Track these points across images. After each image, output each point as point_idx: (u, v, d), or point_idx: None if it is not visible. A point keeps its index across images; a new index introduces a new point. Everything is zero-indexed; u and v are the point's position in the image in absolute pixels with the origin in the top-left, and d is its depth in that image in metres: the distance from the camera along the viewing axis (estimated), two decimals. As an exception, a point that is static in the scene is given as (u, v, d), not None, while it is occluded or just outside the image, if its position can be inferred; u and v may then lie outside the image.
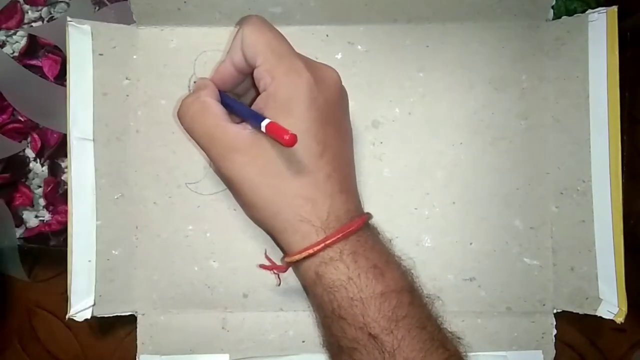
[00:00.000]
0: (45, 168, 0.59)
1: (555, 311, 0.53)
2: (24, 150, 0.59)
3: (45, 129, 0.58)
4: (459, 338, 0.47)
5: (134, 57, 0.53)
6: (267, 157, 0.43)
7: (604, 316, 0.51)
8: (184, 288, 0.53)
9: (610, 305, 0.51)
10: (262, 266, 0.52)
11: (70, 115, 0.52)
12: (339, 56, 0.54)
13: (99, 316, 0.52)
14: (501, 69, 0.54)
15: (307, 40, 0.53)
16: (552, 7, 0.53)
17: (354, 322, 0.43)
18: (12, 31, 0.58)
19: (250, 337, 0.53)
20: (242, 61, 0.46)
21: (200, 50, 0.53)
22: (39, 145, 0.58)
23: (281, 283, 0.53)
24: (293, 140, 0.40)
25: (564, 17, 0.53)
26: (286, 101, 0.43)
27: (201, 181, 0.53)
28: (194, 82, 0.53)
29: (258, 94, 0.45)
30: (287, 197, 0.44)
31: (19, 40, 0.58)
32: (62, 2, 0.58)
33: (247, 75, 0.48)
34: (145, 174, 0.53)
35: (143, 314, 0.53)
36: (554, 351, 0.53)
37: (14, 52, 0.58)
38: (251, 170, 0.44)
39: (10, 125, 0.58)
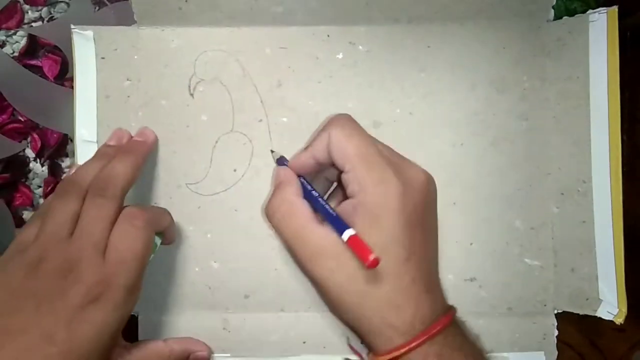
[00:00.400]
0: (45, 168, 0.58)
1: (556, 312, 0.53)
2: (24, 150, 0.58)
3: (45, 129, 0.58)
4: None
5: (135, 57, 0.53)
6: (354, 264, 0.43)
7: (603, 317, 0.51)
8: (184, 289, 0.53)
9: (610, 306, 0.51)
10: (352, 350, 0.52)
11: (77, 120, 0.53)
12: (340, 56, 0.53)
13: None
14: (502, 69, 0.53)
15: (309, 40, 0.53)
16: (553, 8, 0.53)
17: None
18: (12, 31, 0.57)
19: (251, 338, 0.53)
20: (327, 159, 0.46)
21: (201, 50, 0.53)
22: (39, 145, 0.58)
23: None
24: (375, 263, 0.39)
25: (565, 17, 0.53)
26: (374, 211, 0.43)
27: (202, 182, 0.53)
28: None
29: (337, 188, 0.46)
30: (373, 302, 0.43)
31: (19, 40, 0.58)
32: (62, 2, 0.57)
33: (328, 167, 0.47)
34: (146, 175, 0.53)
35: (144, 315, 0.53)
36: (556, 352, 0.52)
37: (14, 52, 0.58)
38: (338, 276, 0.44)
39: (10, 125, 0.58)
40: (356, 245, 0.41)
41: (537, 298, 0.53)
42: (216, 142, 0.53)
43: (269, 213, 0.47)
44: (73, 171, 0.48)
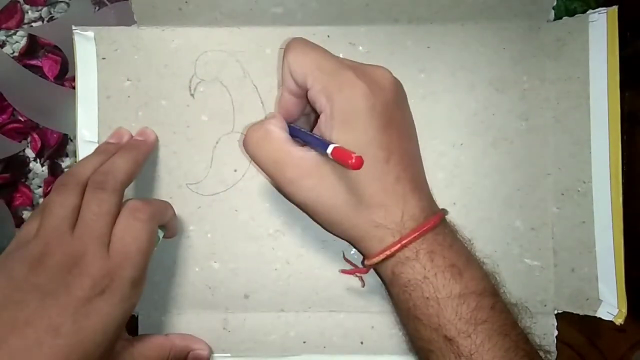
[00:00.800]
0: (45, 168, 0.58)
1: (556, 312, 0.53)
2: (24, 150, 0.58)
3: (45, 129, 0.57)
4: (548, 352, 0.46)
5: (135, 57, 0.53)
6: (335, 176, 0.43)
7: (603, 317, 0.51)
8: (185, 289, 0.53)
9: (610, 306, 0.51)
10: (344, 271, 0.52)
11: (79, 120, 0.53)
12: (340, 56, 0.52)
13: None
14: (502, 69, 0.53)
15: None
16: (553, 8, 0.52)
17: (429, 323, 0.42)
18: (12, 31, 0.57)
19: (251, 338, 0.53)
20: (296, 87, 0.45)
21: (201, 50, 0.53)
22: (39, 145, 0.57)
23: (364, 285, 0.53)
24: (359, 163, 0.38)
25: (565, 17, 0.52)
26: (345, 117, 0.43)
27: (202, 182, 0.53)
28: (196, 83, 0.53)
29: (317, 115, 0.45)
30: (361, 208, 0.43)
31: (19, 40, 0.57)
32: (62, 2, 0.57)
33: (305, 94, 0.47)
34: (146, 175, 0.53)
35: (144, 315, 0.53)
36: (556, 352, 0.52)
37: (14, 52, 0.57)
38: (322, 191, 0.44)
39: (10, 125, 0.57)
40: (340, 155, 0.40)
41: (537, 298, 0.53)
42: (217, 142, 0.53)
43: (246, 141, 0.46)
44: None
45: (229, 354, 0.53)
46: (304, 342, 0.53)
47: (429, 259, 0.42)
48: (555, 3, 0.52)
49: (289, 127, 0.47)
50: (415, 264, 0.42)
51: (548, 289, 0.53)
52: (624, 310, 0.50)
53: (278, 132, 0.45)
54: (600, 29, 0.51)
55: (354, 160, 0.38)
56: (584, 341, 0.56)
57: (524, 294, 0.52)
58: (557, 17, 0.53)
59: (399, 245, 0.42)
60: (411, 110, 0.50)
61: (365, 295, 0.53)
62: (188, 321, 0.53)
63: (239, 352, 0.53)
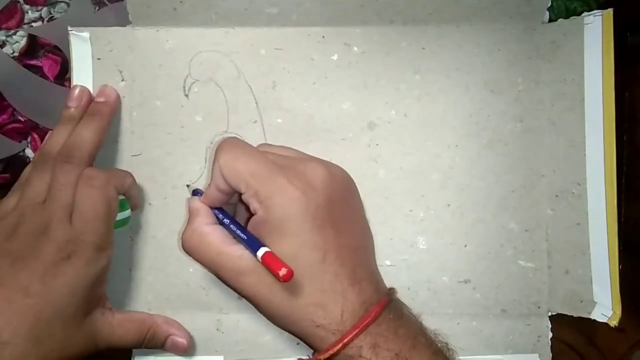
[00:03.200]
0: (45, 168, 0.56)
1: (550, 314, 0.51)
2: (24, 150, 0.57)
3: (45, 129, 0.56)
4: None
5: (130, 58, 0.51)
6: (272, 275, 0.42)
7: (598, 319, 0.50)
8: (179, 289, 0.52)
9: (605, 308, 0.50)
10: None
11: None
12: (334, 57, 0.51)
13: (93, 317, 0.50)
14: (497, 71, 0.51)
15: (303, 41, 0.51)
16: (552, 8, 0.51)
17: None
18: (12, 31, 0.56)
19: (245, 339, 0.51)
20: (227, 187, 0.44)
21: (196, 51, 0.51)
22: (39, 145, 0.56)
23: None
24: (289, 275, 0.39)
25: (560, 19, 0.51)
26: (278, 223, 0.42)
27: (196, 182, 0.51)
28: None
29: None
30: (299, 307, 0.42)
31: (19, 40, 0.56)
32: (62, 2, 0.56)
33: (234, 193, 0.46)
34: (141, 175, 0.51)
35: None
36: (550, 355, 0.51)
37: (14, 52, 0.56)
38: (261, 288, 0.43)
39: (10, 125, 0.56)
40: (270, 262, 0.40)
41: (531, 300, 0.51)
42: (211, 143, 0.52)
43: (184, 247, 0.46)
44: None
45: (222, 355, 0.51)
46: (297, 344, 0.51)
47: (373, 353, 0.41)
48: (549, 4, 0.51)
49: (218, 214, 0.46)
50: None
51: (542, 291, 0.51)
52: (619, 312, 0.49)
53: (212, 235, 0.45)
54: (595, 31, 0.50)
55: (284, 273, 0.39)
56: (584, 341, 0.56)
57: (518, 296, 0.51)
58: (557, 16, 0.52)
59: (340, 344, 0.41)
60: (407, 111, 0.50)
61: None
62: (182, 321, 0.51)
63: (233, 353, 0.51)
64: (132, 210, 0.50)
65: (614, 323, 0.49)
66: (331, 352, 0.41)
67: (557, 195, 0.51)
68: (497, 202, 0.52)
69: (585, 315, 0.50)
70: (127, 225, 0.49)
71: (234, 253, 0.43)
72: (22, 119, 0.56)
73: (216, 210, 0.46)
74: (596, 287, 0.50)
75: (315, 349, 0.44)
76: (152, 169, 0.52)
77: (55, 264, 0.42)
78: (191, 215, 0.47)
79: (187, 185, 0.51)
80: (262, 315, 0.49)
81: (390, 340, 0.41)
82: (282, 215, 0.42)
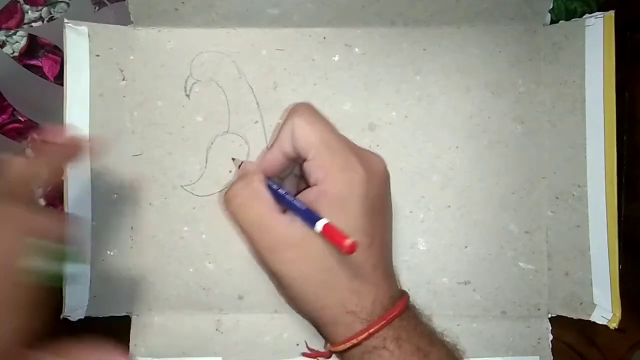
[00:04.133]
0: (45, 168, 0.56)
1: (550, 316, 0.51)
2: (24, 150, 0.56)
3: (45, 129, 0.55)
4: None
5: (131, 57, 0.51)
6: (318, 254, 0.41)
7: (597, 321, 0.50)
8: (179, 289, 0.51)
9: (604, 310, 0.49)
10: (305, 354, 0.50)
11: (67, 117, 0.50)
12: (336, 58, 0.51)
13: (93, 317, 0.50)
14: (498, 73, 0.51)
15: (305, 42, 0.51)
16: (552, 9, 0.51)
17: None
18: (12, 31, 0.55)
19: (245, 340, 0.51)
20: (292, 152, 0.43)
21: (197, 51, 0.51)
22: (39, 145, 0.55)
23: None
24: (353, 247, 0.38)
25: (561, 21, 0.51)
26: (340, 199, 0.41)
27: (197, 182, 0.51)
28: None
29: (301, 180, 0.44)
30: (335, 291, 0.41)
31: (19, 40, 0.56)
32: (62, 2, 0.55)
33: (297, 163, 0.45)
34: (141, 175, 0.51)
35: (137, 315, 0.51)
36: (551, 357, 0.50)
37: (14, 52, 0.56)
38: (302, 266, 0.41)
39: (10, 125, 0.56)
40: (331, 233, 0.39)
41: (531, 302, 0.51)
42: (212, 143, 0.51)
43: (229, 197, 0.44)
44: None
45: (221, 356, 0.51)
46: (297, 344, 0.51)
47: (396, 346, 0.40)
48: (551, 6, 0.51)
49: (271, 184, 0.44)
50: (383, 352, 0.40)
51: (542, 293, 0.51)
52: (618, 315, 0.49)
53: (266, 195, 0.43)
54: (596, 33, 0.49)
55: (349, 243, 0.38)
56: (584, 341, 0.55)
57: (518, 298, 0.51)
58: (557, 17, 0.51)
59: (366, 334, 0.40)
60: (408, 112, 0.50)
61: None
62: (181, 322, 0.51)
63: (232, 354, 0.51)
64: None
65: (613, 325, 0.49)
66: (355, 340, 0.40)
67: (557, 197, 0.51)
68: (497, 204, 0.51)
69: (585, 318, 0.50)
70: (75, 281, 0.45)
71: (283, 220, 0.42)
72: (22, 119, 0.56)
73: (270, 182, 0.44)
74: (596, 289, 0.50)
75: (333, 337, 0.43)
76: (153, 169, 0.51)
77: None
78: (246, 173, 0.45)
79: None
80: (262, 315, 0.49)
81: (411, 335, 0.41)
82: (346, 193, 0.41)
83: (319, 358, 0.49)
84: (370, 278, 0.42)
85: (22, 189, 0.38)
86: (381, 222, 0.43)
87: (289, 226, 0.41)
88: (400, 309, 0.41)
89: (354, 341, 0.40)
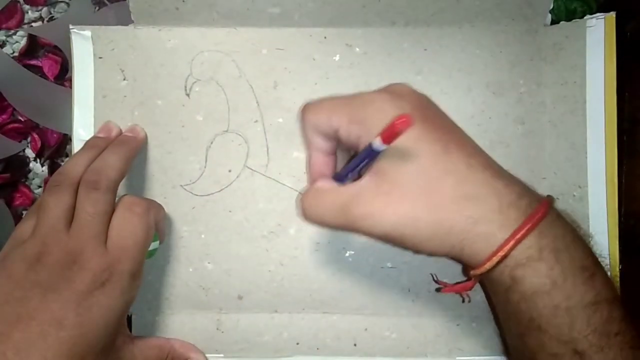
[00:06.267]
0: (45, 168, 0.56)
1: None
2: (24, 150, 0.56)
3: (45, 129, 0.55)
4: None
5: (132, 57, 0.51)
6: (397, 184, 0.37)
7: None
8: (178, 289, 0.50)
9: None
10: (446, 290, 0.47)
11: (75, 119, 0.51)
12: (336, 58, 0.50)
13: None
14: (499, 73, 0.51)
15: (305, 41, 0.50)
16: (552, 9, 0.50)
17: (557, 335, 0.36)
18: (12, 31, 0.55)
19: (245, 339, 0.50)
20: (324, 140, 0.42)
21: (198, 50, 0.50)
22: (39, 145, 0.55)
23: (470, 300, 0.49)
24: (408, 117, 0.32)
25: (562, 22, 0.50)
26: (376, 122, 0.38)
27: (196, 182, 0.50)
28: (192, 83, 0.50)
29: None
30: (445, 208, 0.37)
31: (19, 40, 0.55)
32: (62, 2, 0.55)
33: (334, 149, 0.43)
34: (141, 175, 0.51)
35: (138, 315, 0.51)
36: None
37: (14, 52, 0.55)
38: (394, 207, 0.37)
39: (10, 125, 0.55)
40: (387, 133, 0.34)
41: (532, 302, 0.50)
42: (211, 142, 0.50)
43: (304, 210, 0.41)
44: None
45: (221, 355, 0.50)
46: (297, 344, 0.50)
47: (554, 258, 0.36)
48: (552, 7, 0.50)
49: (338, 174, 0.42)
50: (540, 265, 0.36)
51: (543, 293, 0.50)
52: None
53: (328, 184, 0.41)
54: (597, 34, 0.49)
55: (401, 121, 0.32)
56: None
57: None
58: (557, 17, 0.51)
59: (513, 241, 0.35)
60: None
61: (359, 298, 0.50)
62: (181, 321, 0.50)
63: (232, 353, 0.50)
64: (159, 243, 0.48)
65: (613, 326, 0.48)
66: (502, 252, 0.36)
67: (558, 198, 0.50)
68: (498, 204, 0.50)
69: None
70: (154, 257, 0.48)
71: (354, 187, 0.39)
72: (22, 119, 0.55)
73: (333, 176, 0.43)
74: (596, 289, 0.49)
75: (474, 260, 0.38)
76: (152, 168, 0.51)
77: (89, 293, 0.38)
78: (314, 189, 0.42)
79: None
80: (261, 315, 0.49)
81: (571, 248, 0.37)
82: (383, 118, 0.37)
83: (462, 291, 0.45)
84: (473, 179, 0.37)
85: (119, 181, 0.44)
86: (441, 128, 0.39)
87: (362, 185, 0.39)
88: (544, 210, 0.37)
89: (501, 253, 0.36)
